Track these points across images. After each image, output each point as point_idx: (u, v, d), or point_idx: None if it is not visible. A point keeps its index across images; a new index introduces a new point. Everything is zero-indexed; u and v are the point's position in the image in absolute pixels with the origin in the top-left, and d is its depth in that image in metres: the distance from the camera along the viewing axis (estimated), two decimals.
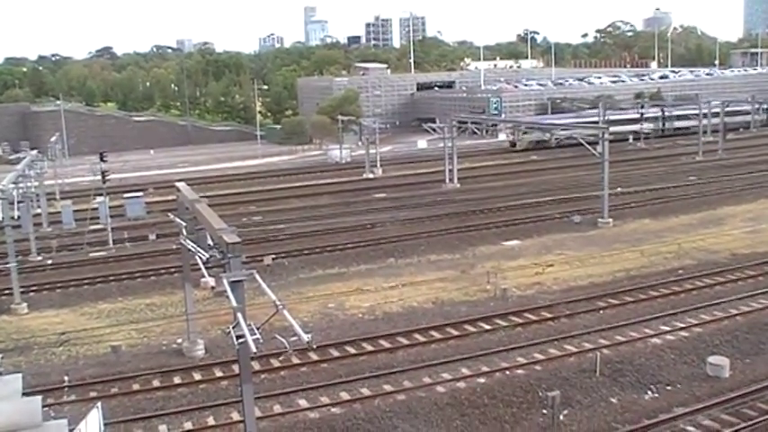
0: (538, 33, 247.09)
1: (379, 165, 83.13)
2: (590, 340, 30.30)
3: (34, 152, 68.95)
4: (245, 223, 55.31)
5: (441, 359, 29.01)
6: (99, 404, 17.03)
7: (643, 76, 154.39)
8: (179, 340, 32.23)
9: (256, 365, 27.65)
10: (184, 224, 27.16)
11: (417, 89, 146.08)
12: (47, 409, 17.35)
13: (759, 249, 42.93)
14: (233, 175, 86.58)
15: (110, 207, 53.88)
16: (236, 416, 24.69)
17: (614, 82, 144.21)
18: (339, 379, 27.65)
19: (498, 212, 57.43)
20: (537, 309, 34.58)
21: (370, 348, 30.73)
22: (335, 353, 30.33)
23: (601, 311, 34.26)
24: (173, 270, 42.69)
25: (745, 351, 28.72)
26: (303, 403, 25.86)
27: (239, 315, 16.89)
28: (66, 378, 28.12)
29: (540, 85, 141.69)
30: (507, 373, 27.59)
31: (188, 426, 24.82)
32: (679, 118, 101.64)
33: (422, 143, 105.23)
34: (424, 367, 28.32)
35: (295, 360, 29.03)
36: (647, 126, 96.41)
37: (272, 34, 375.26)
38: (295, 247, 48.52)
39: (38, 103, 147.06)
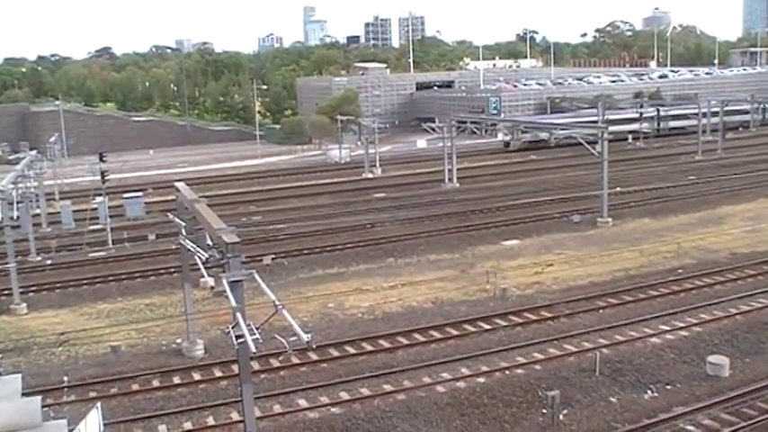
0: (537, 33, 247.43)
1: (378, 164, 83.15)
2: (589, 340, 30.30)
3: (33, 152, 68.86)
4: (245, 223, 55.29)
5: (440, 359, 29.00)
6: (98, 404, 16.99)
7: (642, 75, 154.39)
8: (178, 340, 32.22)
9: (256, 365, 27.64)
10: (184, 224, 27.16)
11: (416, 89, 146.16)
12: (46, 409, 17.33)
13: (759, 249, 42.94)
14: (232, 175, 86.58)
15: (109, 207, 53.87)
16: (235, 416, 24.68)
17: (613, 81, 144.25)
18: (339, 379, 27.64)
19: (498, 212, 57.42)
20: (536, 308, 34.58)
21: (369, 348, 30.73)
22: (335, 353, 30.32)
23: (600, 311, 34.26)
24: (172, 270, 42.68)
25: (745, 350, 28.73)
26: (303, 403, 25.86)
27: (239, 315, 16.88)
28: (65, 378, 28.11)
29: (540, 84, 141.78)
30: (507, 372, 27.58)
31: (188, 426, 24.82)
32: (675, 118, 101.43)
33: (421, 143, 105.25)
34: (424, 367, 28.32)
35: (294, 360, 29.02)
36: (634, 126, 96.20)
37: (271, 34, 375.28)
38: (294, 246, 48.51)
39: (37, 103, 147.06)
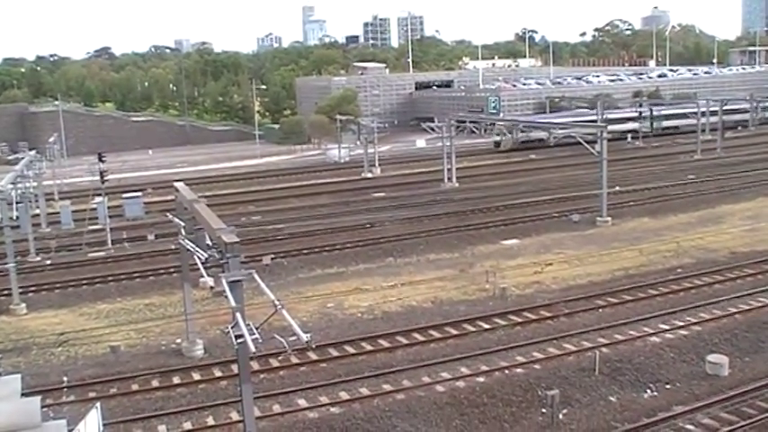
0: (536, 32, 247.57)
1: (377, 164, 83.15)
2: (589, 339, 30.29)
3: (33, 152, 68.87)
4: (244, 223, 55.29)
5: (440, 358, 29.00)
6: (98, 404, 17.01)
7: (641, 74, 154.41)
8: (178, 340, 32.21)
9: (255, 365, 27.63)
10: (183, 224, 27.16)
11: (416, 88, 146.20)
12: (46, 409, 17.33)
13: (758, 248, 42.93)
14: (231, 175, 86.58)
15: (108, 207, 53.80)
16: (235, 416, 24.68)
17: (612, 81, 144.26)
18: (338, 378, 27.64)
19: (497, 212, 57.42)
20: (536, 308, 34.57)
21: (369, 348, 30.72)
22: (334, 352, 30.31)
23: (600, 310, 34.26)
24: (171, 270, 42.69)
25: (745, 349, 28.73)
26: (302, 403, 25.85)
27: (238, 315, 16.88)
28: (65, 378, 28.13)
29: (539, 84, 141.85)
30: (506, 372, 27.58)
31: (187, 426, 24.82)
32: (668, 117, 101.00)
33: (420, 142, 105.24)
34: (424, 366, 28.31)
35: (294, 360, 29.00)
36: (632, 126, 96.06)
37: (270, 34, 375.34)
38: (294, 246, 48.50)
39: (36, 103, 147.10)
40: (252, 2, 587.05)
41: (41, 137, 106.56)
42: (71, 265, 47.13)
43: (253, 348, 16.30)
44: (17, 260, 40.46)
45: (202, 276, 31.46)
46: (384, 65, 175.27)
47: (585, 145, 54.64)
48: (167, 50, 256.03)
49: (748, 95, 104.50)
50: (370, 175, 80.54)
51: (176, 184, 30.56)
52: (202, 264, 21.84)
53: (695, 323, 31.55)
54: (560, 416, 24.06)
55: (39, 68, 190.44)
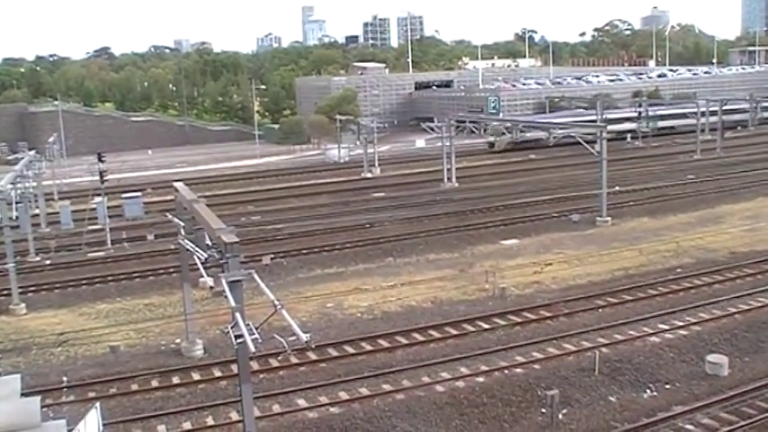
0: (536, 32, 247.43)
1: (377, 164, 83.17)
2: (589, 339, 30.29)
3: (32, 153, 68.88)
4: (244, 223, 55.32)
5: (439, 358, 28.99)
6: (98, 404, 17.01)
7: (641, 74, 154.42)
8: (177, 340, 32.21)
9: (255, 365, 27.63)
10: (183, 224, 27.15)
11: (415, 88, 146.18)
12: (45, 409, 17.33)
13: (757, 248, 42.95)
14: (231, 175, 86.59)
15: (108, 207, 53.78)
16: (234, 416, 24.67)
17: (612, 81, 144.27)
18: (338, 378, 27.63)
19: (497, 211, 57.43)
20: (535, 308, 34.58)
21: (368, 348, 30.72)
22: (334, 352, 30.32)
23: (599, 310, 34.26)
24: (171, 270, 42.69)
25: (744, 349, 28.74)
26: (302, 403, 25.85)
27: (238, 315, 16.87)
28: (64, 378, 28.13)
29: (538, 84, 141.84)
30: (506, 372, 27.58)
31: (187, 426, 24.81)
32: (663, 117, 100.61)
33: (420, 142, 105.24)
34: (423, 366, 28.30)
35: (294, 360, 29.00)
36: (625, 126, 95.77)
37: (269, 34, 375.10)
38: (293, 246, 48.50)
39: (35, 103, 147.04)
40: (251, 2, 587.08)
41: (41, 137, 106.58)
42: (71, 265, 47.12)
43: (252, 348, 16.30)
44: (17, 260, 40.45)
45: (202, 276, 31.46)
46: (384, 65, 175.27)
47: (585, 145, 54.61)
48: (167, 50, 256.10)
49: (748, 95, 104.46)
50: (369, 175, 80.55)
51: (176, 184, 30.56)
52: (202, 264, 21.84)
53: (695, 323, 31.55)
54: (560, 416, 24.07)
55: (38, 68, 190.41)
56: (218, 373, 28.85)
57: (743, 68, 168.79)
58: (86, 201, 60.70)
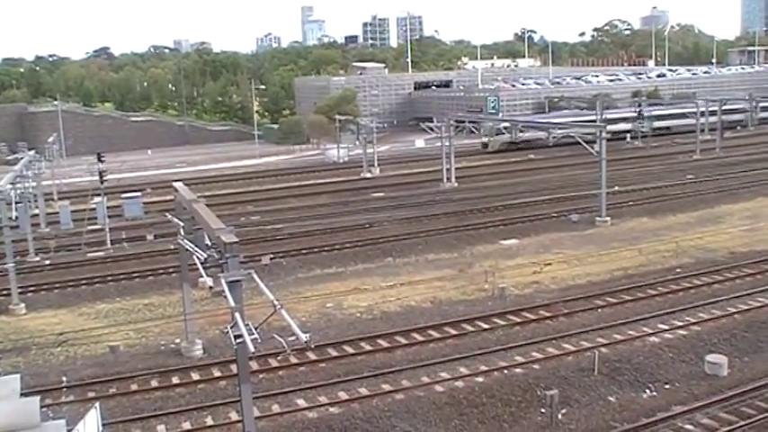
0: (535, 32, 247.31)
1: (376, 164, 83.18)
2: (588, 339, 30.29)
3: (32, 153, 68.87)
4: (243, 223, 55.33)
5: (439, 358, 28.99)
6: (97, 404, 17.04)
7: (640, 74, 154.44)
8: (177, 340, 32.21)
9: (254, 365, 27.65)
10: (182, 224, 27.15)
11: (415, 88, 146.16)
12: (45, 409, 17.35)
13: (757, 247, 42.96)
14: (231, 175, 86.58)
15: (107, 207, 53.81)
16: (234, 416, 24.67)
17: (612, 81, 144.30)
18: (337, 378, 27.63)
19: (496, 211, 57.43)
20: (535, 308, 34.58)
21: (368, 348, 30.72)
22: (334, 352, 30.32)
23: (599, 310, 34.26)
24: (171, 270, 42.68)
25: (744, 349, 28.75)
26: (301, 403, 25.85)
27: (237, 315, 16.87)
28: (64, 378, 28.13)
29: (538, 83, 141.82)
30: (506, 372, 27.58)
31: (186, 426, 24.81)
32: (660, 118, 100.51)
33: (419, 142, 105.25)
34: (423, 366, 28.30)
35: (293, 360, 29.00)
36: (625, 126, 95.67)
37: (269, 34, 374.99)
38: (293, 246, 48.49)
39: (35, 103, 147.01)
40: (251, 2, 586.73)
41: (40, 137, 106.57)
42: (70, 265, 47.12)
43: (252, 348, 16.30)
44: (16, 260, 40.45)
45: (201, 276, 31.44)
46: (383, 65, 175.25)
47: (585, 145, 54.58)
48: (166, 50, 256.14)
49: (747, 95, 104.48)
50: (369, 175, 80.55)
51: (175, 184, 30.56)
52: (201, 264, 21.83)
53: (694, 323, 31.55)
54: (559, 416, 24.07)
55: (38, 68, 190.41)
56: (217, 373, 28.85)
57: (742, 68, 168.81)
58: (86, 201, 60.69)
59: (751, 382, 25.66)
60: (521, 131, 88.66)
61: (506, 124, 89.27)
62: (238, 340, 16.69)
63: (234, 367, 25.91)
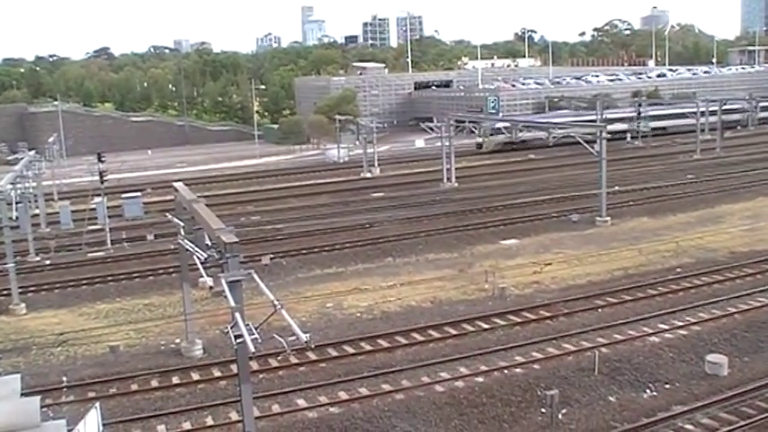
0: (535, 32, 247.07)
1: (376, 164, 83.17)
2: (588, 339, 30.29)
3: (32, 153, 68.86)
4: (243, 223, 55.31)
5: (439, 358, 29.00)
6: (97, 404, 17.02)
7: (641, 74, 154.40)
8: (177, 340, 32.21)
9: (255, 365, 27.63)
10: (182, 224, 27.15)
11: (415, 88, 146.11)
12: (45, 409, 17.34)
13: (757, 247, 42.95)
14: (231, 175, 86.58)
15: (108, 207, 53.81)
16: (234, 416, 24.68)
17: (612, 80, 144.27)
18: (337, 378, 27.64)
19: (496, 211, 57.43)
20: (535, 308, 34.58)
21: (368, 348, 30.72)
22: (334, 352, 30.32)
23: (599, 310, 34.25)
24: (171, 270, 42.69)
25: (744, 349, 28.74)
26: (302, 403, 25.85)
27: (237, 315, 16.87)
28: (64, 378, 28.11)
29: (538, 83, 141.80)
30: (506, 372, 27.57)
31: (186, 426, 24.81)
32: (656, 118, 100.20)
33: (419, 142, 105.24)
34: (423, 366, 28.30)
35: (293, 360, 29.01)
36: (625, 126, 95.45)
37: (269, 34, 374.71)
38: (293, 246, 48.49)
39: (35, 103, 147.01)
40: (251, 2, 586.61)
41: (41, 137, 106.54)
42: (70, 265, 47.12)
43: (252, 348, 16.29)
44: (17, 260, 40.46)
45: (202, 276, 31.46)
46: (383, 65, 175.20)
47: (585, 145, 54.56)
48: (166, 51, 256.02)
49: (747, 95, 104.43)
50: (369, 175, 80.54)
51: (175, 184, 30.58)
52: (202, 264, 21.83)
53: (694, 323, 31.54)
54: (560, 416, 24.07)
55: (38, 69, 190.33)
56: (217, 373, 28.85)
57: (742, 68, 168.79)
58: (86, 201, 60.70)
59: (751, 382, 25.65)
60: (520, 131, 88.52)
61: (504, 124, 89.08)
62: (238, 340, 16.69)
63: (234, 367, 25.92)
